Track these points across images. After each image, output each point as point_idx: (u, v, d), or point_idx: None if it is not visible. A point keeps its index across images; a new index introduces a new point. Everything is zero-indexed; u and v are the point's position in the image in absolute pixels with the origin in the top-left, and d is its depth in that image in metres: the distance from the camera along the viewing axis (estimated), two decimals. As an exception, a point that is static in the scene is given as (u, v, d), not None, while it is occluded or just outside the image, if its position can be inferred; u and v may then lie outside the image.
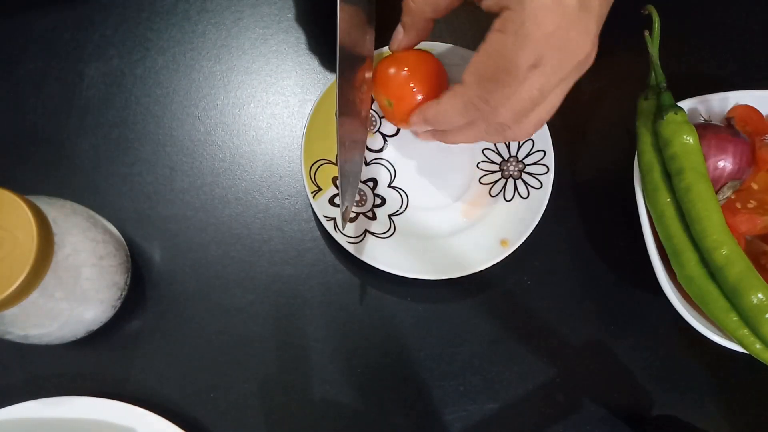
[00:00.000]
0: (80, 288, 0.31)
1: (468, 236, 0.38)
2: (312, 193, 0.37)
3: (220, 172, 0.40)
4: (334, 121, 0.39)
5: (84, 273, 0.31)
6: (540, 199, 0.38)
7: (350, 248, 0.37)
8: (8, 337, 0.30)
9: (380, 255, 0.37)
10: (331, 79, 0.39)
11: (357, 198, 0.39)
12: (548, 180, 0.38)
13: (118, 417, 0.34)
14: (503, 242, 0.37)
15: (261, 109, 0.42)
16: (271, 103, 0.42)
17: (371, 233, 0.38)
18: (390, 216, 0.39)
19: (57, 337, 0.32)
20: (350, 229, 0.37)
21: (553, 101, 0.31)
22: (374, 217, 0.39)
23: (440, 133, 0.35)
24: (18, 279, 0.26)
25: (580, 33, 0.28)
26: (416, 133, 0.39)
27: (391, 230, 0.38)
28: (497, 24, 0.28)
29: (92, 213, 0.34)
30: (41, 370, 0.37)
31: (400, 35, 0.36)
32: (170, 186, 0.40)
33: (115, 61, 0.42)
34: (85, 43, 0.42)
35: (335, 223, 0.37)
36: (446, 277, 0.37)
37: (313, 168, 0.38)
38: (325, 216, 0.37)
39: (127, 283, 0.36)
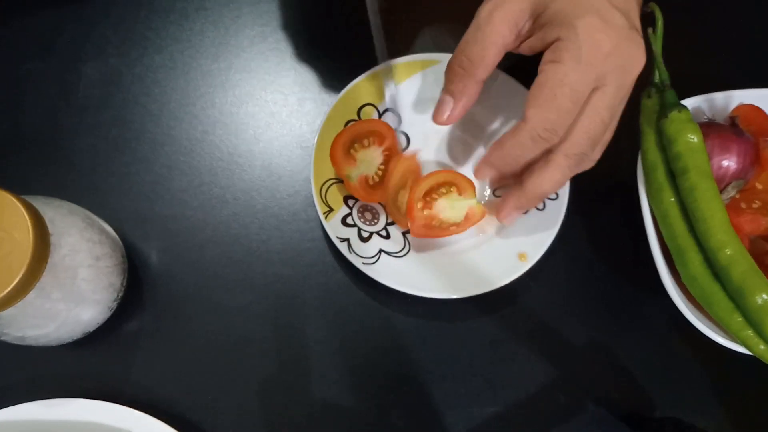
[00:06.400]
0: (77, 289, 0.31)
1: (485, 251, 0.38)
2: (324, 214, 0.37)
3: (219, 172, 0.40)
4: None
5: (81, 274, 0.31)
6: (557, 211, 0.37)
7: (366, 270, 0.36)
8: (5, 338, 0.30)
9: (397, 275, 0.36)
10: (330, 77, 0.39)
11: (369, 217, 0.39)
12: (564, 191, 0.38)
13: (115, 419, 0.34)
14: (521, 256, 0.37)
15: (259, 107, 0.42)
16: (270, 101, 0.42)
17: (386, 253, 0.37)
18: (404, 233, 0.38)
19: (54, 339, 0.32)
20: (364, 249, 0.37)
21: (617, 119, 0.31)
22: (388, 236, 0.38)
23: (518, 195, 0.33)
24: (14, 279, 0.26)
25: (634, 48, 0.29)
26: (501, 219, 0.35)
27: (406, 248, 0.38)
28: (549, 56, 0.29)
29: (89, 213, 0.34)
30: (38, 372, 0.36)
31: (449, 105, 0.33)
32: (168, 185, 0.40)
33: (113, 60, 0.42)
34: (83, 42, 0.42)
35: (349, 244, 0.37)
36: (468, 295, 0.36)
37: (324, 188, 0.37)
38: (338, 237, 0.36)
39: (124, 284, 0.35)
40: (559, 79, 0.28)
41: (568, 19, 0.28)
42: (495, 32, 0.30)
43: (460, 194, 0.37)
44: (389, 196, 0.37)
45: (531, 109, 0.29)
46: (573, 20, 0.28)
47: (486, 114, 0.40)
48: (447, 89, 0.33)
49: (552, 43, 0.29)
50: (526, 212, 0.37)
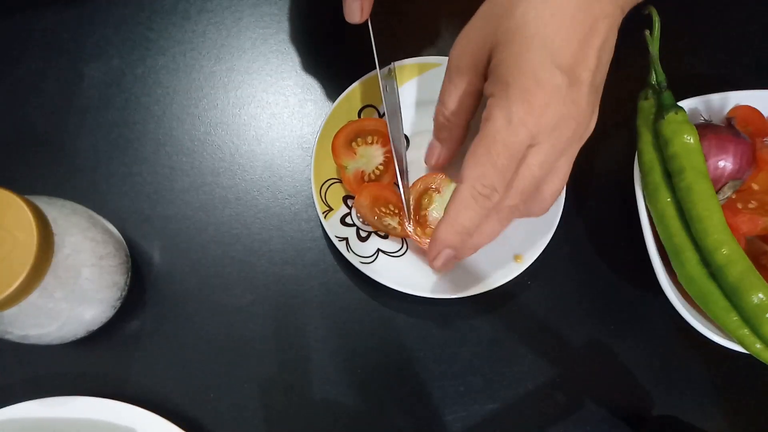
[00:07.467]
0: (80, 288, 0.31)
1: (481, 252, 0.37)
2: (323, 213, 0.37)
3: (220, 172, 0.40)
4: None
5: (84, 273, 0.31)
6: (553, 214, 0.37)
7: (364, 269, 0.36)
8: (8, 337, 0.30)
9: (395, 275, 0.36)
10: (331, 79, 0.39)
11: None
12: (560, 194, 0.38)
13: (118, 417, 0.34)
14: (517, 257, 0.37)
15: (261, 109, 0.42)
16: (271, 103, 0.42)
17: (384, 252, 0.38)
18: None
19: (57, 337, 0.32)
20: (363, 248, 0.37)
21: (562, 171, 0.31)
22: (386, 236, 0.38)
23: (461, 248, 0.32)
24: (18, 279, 0.26)
25: (571, 107, 0.29)
26: (437, 268, 0.35)
27: (404, 248, 0.38)
28: (485, 113, 0.29)
29: (92, 213, 0.34)
30: (41, 370, 0.36)
31: (437, 150, 0.36)
32: (170, 186, 0.40)
33: (115, 61, 0.42)
34: (85, 42, 0.42)
35: (347, 243, 0.37)
36: (463, 295, 0.36)
37: (323, 187, 0.38)
38: (337, 236, 0.37)
39: (127, 283, 0.36)
40: (492, 136, 0.28)
41: (504, 76, 0.28)
42: (466, 82, 0.32)
43: (440, 192, 0.38)
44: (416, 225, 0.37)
45: (467, 168, 0.29)
46: (507, 78, 0.28)
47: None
48: (435, 136, 0.36)
49: (488, 96, 0.29)
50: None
